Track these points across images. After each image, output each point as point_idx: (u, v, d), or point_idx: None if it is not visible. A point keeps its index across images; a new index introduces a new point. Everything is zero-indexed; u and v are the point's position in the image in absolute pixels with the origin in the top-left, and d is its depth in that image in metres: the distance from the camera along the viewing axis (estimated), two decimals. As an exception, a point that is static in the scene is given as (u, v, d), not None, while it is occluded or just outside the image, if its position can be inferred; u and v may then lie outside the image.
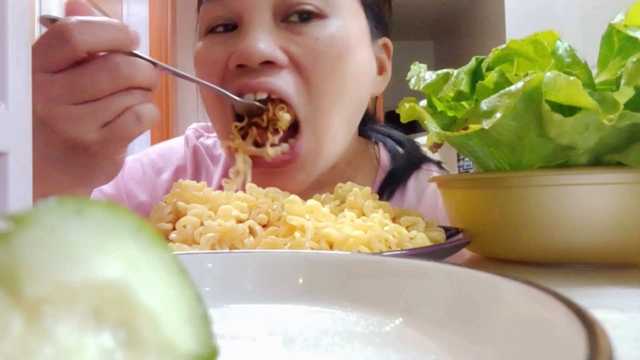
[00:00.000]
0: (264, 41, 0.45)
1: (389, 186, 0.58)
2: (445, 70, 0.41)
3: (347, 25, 0.49)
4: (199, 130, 0.69)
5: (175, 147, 0.67)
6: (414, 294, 0.20)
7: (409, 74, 0.44)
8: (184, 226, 0.34)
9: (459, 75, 0.39)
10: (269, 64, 0.45)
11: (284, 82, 0.45)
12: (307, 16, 0.47)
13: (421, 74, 0.43)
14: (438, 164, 0.65)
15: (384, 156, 0.63)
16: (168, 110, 2.49)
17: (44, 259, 0.10)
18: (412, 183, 0.62)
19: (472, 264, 0.40)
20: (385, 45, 0.58)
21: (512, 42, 0.36)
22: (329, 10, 0.47)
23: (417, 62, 0.45)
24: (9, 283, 0.09)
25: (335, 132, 0.50)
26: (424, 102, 0.46)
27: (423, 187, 0.62)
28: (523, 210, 0.35)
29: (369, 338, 0.18)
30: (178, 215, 0.36)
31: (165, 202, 0.38)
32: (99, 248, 0.11)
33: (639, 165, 0.33)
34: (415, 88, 0.42)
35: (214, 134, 0.67)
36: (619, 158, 0.34)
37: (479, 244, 0.40)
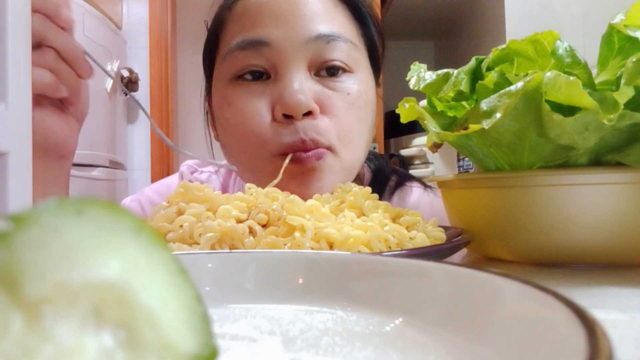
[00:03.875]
0: (304, 93, 0.50)
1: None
2: (445, 70, 0.41)
3: (367, 80, 0.57)
4: (193, 166, 0.74)
5: (170, 184, 0.72)
6: (414, 294, 0.20)
7: (409, 74, 0.44)
8: (181, 226, 0.34)
9: (459, 75, 0.39)
10: (308, 114, 0.51)
11: (324, 135, 0.51)
12: (336, 71, 0.54)
13: (421, 74, 0.43)
14: (421, 181, 0.72)
15: (368, 175, 0.70)
16: (168, 125, 2.49)
17: (44, 259, 0.10)
18: (396, 199, 0.67)
19: (472, 264, 0.40)
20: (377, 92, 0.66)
21: (512, 42, 0.36)
22: (354, 66, 0.55)
23: (417, 62, 0.45)
24: (9, 283, 0.09)
25: (356, 161, 0.57)
26: (424, 102, 0.46)
27: (404, 204, 0.67)
28: (523, 210, 0.35)
29: (369, 338, 0.18)
30: (181, 215, 0.36)
31: (169, 202, 0.38)
32: (99, 248, 0.11)
33: (639, 165, 0.33)
34: (415, 88, 0.42)
35: (208, 169, 0.74)
36: (619, 158, 0.34)
37: (479, 244, 0.39)
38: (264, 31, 0.52)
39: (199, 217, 0.34)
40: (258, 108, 0.52)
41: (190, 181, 0.72)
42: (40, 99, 0.45)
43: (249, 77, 0.54)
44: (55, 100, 0.46)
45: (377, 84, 0.64)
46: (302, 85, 0.51)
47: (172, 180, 0.74)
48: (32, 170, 0.45)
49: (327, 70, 0.53)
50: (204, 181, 0.73)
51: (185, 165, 0.75)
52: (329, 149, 0.52)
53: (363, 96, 0.55)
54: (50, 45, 0.42)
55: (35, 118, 0.44)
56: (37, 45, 0.42)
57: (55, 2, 0.42)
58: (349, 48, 0.54)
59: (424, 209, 0.63)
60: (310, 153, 0.51)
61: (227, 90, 0.55)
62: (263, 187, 0.40)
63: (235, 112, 0.54)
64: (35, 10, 0.41)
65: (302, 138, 0.50)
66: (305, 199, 0.40)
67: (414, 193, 0.68)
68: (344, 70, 0.54)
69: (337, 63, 0.53)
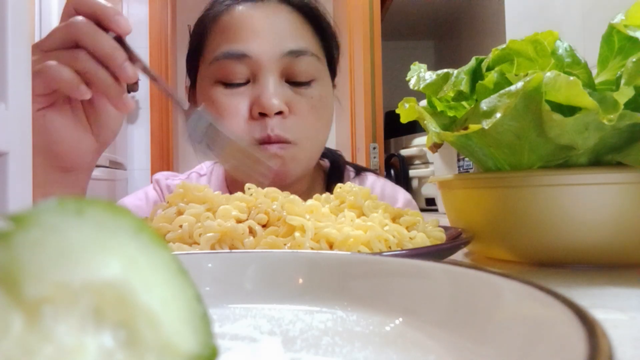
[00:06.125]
0: (276, 97, 0.62)
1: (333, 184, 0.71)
2: (445, 70, 0.41)
3: (327, 86, 0.70)
4: (165, 175, 0.83)
5: (147, 191, 0.80)
6: (414, 294, 0.20)
7: (409, 74, 0.44)
8: (180, 226, 0.34)
9: (459, 75, 0.39)
10: (279, 113, 0.63)
11: (290, 131, 0.64)
12: (304, 81, 0.66)
13: (421, 74, 0.43)
14: (373, 171, 0.87)
15: (326, 164, 0.84)
16: (168, 125, 2.49)
17: (44, 259, 0.10)
18: (357, 183, 0.79)
19: (472, 264, 0.40)
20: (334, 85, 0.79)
21: (512, 42, 0.36)
22: (317, 75, 0.67)
23: (417, 62, 0.45)
24: (9, 283, 0.09)
25: (316, 152, 0.71)
26: (424, 102, 0.46)
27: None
28: (523, 210, 0.35)
29: (369, 338, 0.18)
30: (181, 215, 0.36)
31: (169, 203, 0.38)
32: (99, 248, 0.11)
33: (639, 165, 0.33)
34: (415, 88, 0.42)
35: (182, 176, 0.84)
36: (619, 158, 0.34)
37: (479, 244, 0.40)
38: (246, 45, 0.64)
39: (198, 217, 0.34)
40: (237, 108, 0.64)
41: (167, 185, 0.79)
42: (58, 101, 0.44)
43: (233, 81, 0.64)
44: (78, 109, 0.46)
45: (333, 85, 0.76)
46: (276, 90, 0.63)
47: (147, 188, 0.80)
48: (39, 178, 0.44)
49: (297, 79, 0.66)
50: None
51: (160, 174, 0.82)
52: (292, 142, 0.64)
53: (323, 100, 0.67)
54: (83, 45, 0.42)
55: (45, 116, 0.43)
56: (74, 46, 0.42)
57: (103, 5, 0.43)
58: (313, 60, 0.66)
59: (376, 190, 0.81)
60: (273, 145, 0.63)
61: (212, 90, 0.65)
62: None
63: (218, 109, 0.64)
64: (78, 12, 0.42)
65: (269, 134, 0.62)
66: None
67: (369, 179, 0.83)
68: (310, 80, 0.66)
69: (305, 74, 0.65)
